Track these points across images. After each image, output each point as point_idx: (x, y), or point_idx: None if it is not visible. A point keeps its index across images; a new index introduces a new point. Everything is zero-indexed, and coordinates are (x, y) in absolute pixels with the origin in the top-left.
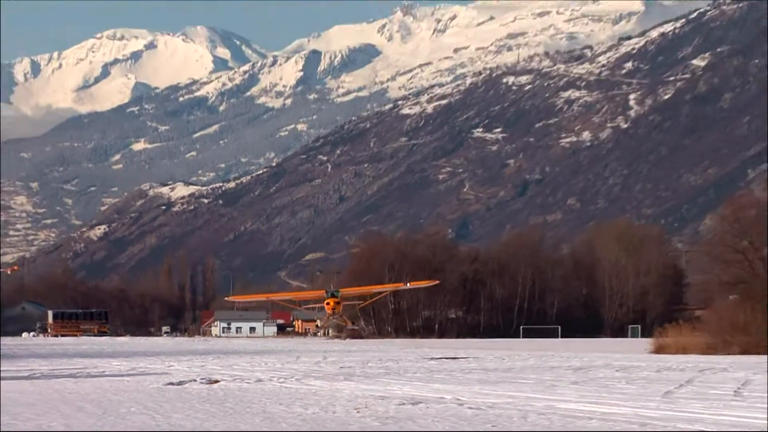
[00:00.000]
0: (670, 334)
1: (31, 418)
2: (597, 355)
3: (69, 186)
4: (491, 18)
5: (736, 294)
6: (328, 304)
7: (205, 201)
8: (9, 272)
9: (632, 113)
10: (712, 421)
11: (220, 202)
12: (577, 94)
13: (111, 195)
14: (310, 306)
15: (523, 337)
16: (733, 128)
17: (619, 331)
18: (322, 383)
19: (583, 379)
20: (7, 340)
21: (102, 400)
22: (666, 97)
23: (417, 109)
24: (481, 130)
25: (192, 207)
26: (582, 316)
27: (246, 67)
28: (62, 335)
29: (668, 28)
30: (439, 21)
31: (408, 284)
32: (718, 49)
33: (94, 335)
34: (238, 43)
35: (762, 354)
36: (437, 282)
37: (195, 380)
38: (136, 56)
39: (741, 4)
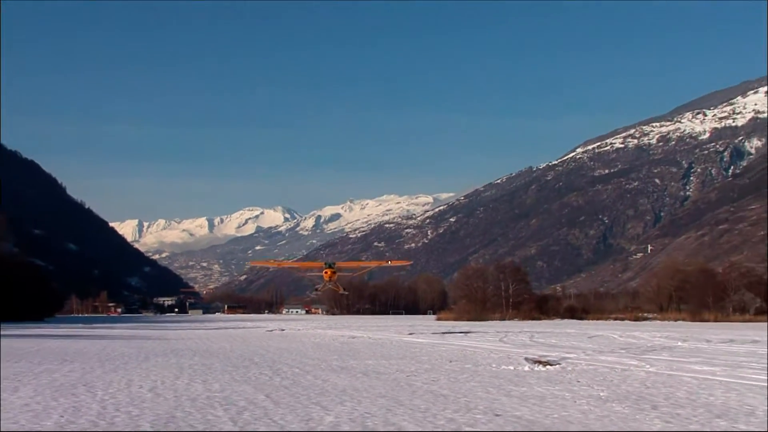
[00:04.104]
0: (442, 314)
1: (207, 342)
2: (417, 321)
3: (233, 261)
4: (380, 204)
5: (464, 300)
6: (325, 272)
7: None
8: (210, 291)
9: (428, 237)
10: (458, 345)
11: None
12: (410, 230)
13: (251, 265)
14: (312, 274)
15: (392, 314)
16: (466, 242)
17: (425, 313)
18: (321, 331)
19: (412, 330)
20: (211, 315)
21: (243, 337)
22: (440, 231)
23: (355, 236)
24: (376, 243)
25: (275, 270)
26: (412, 306)
27: (294, 221)
28: (229, 314)
29: (442, 208)
30: (362, 205)
31: (389, 262)
32: (459, 215)
33: (241, 314)
34: (292, 211)
35: (475, 321)
36: (410, 262)
37: (276, 330)
38: (258, 217)
39: (467, 199)
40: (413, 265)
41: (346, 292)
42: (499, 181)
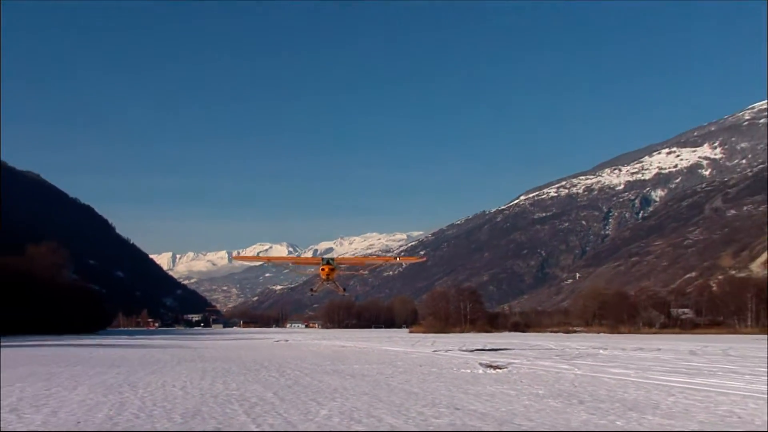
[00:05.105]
0: (414, 328)
1: (226, 350)
2: (394, 333)
3: (247, 286)
4: (364, 240)
5: (431, 317)
6: (323, 269)
7: (284, 290)
8: (229, 310)
9: (403, 266)
10: (426, 352)
11: (290, 290)
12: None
13: (262, 289)
14: (310, 270)
15: (374, 328)
16: (433, 271)
17: (400, 327)
18: (317, 341)
19: (389, 340)
20: (229, 329)
21: (255, 347)
22: (415, 263)
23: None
24: (362, 271)
25: (281, 293)
26: (390, 322)
27: (296, 254)
28: (244, 327)
29: (414, 244)
30: (350, 240)
31: (398, 258)
32: (427, 249)
33: (254, 328)
34: (294, 245)
35: (440, 333)
36: (425, 259)
37: (282, 340)
38: (267, 250)
39: (434, 236)
40: (390, 288)
41: (347, 293)
42: (459, 222)
